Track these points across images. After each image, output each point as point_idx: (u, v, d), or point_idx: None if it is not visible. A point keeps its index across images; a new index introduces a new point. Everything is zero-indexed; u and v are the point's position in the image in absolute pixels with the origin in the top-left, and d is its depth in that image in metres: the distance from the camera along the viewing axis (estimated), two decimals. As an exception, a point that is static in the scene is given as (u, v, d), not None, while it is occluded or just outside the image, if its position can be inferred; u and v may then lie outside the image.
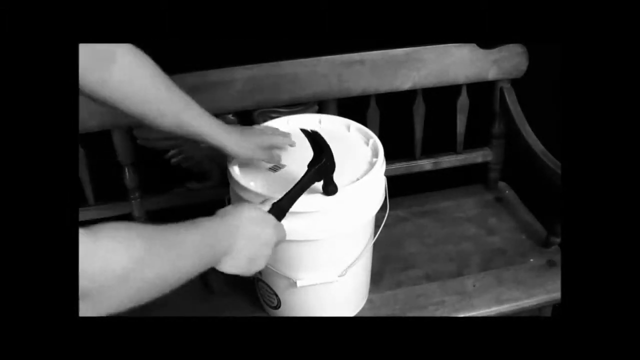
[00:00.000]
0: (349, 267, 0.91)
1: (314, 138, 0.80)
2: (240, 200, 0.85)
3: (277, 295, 0.96)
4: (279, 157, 0.90)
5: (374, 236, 0.96)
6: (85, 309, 0.48)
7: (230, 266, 0.68)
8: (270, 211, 0.73)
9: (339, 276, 0.90)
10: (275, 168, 0.90)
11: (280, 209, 0.74)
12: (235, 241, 0.67)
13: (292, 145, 0.92)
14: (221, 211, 0.69)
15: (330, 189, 0.81)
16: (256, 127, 0.95)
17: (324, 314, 0.97)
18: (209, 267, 0.65)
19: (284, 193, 0.76)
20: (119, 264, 0.50)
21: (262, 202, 0.74)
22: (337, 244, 0.88)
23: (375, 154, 0.91)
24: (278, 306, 0.97)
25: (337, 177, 0.85)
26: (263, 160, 0.88)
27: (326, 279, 0.90)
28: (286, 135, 0.93)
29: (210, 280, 0.70)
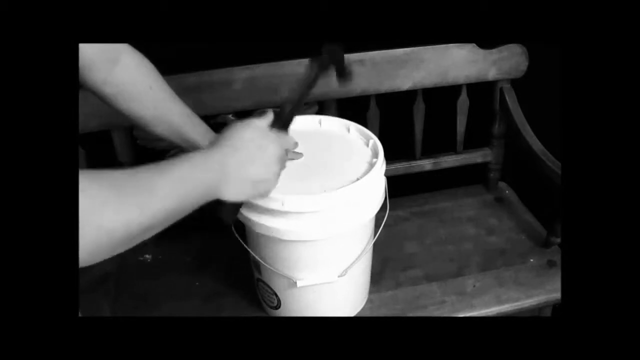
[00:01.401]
0: (349, 267, 0.91)
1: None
2: (245, 203, 0.85)
3: (277, 295, 0.96)
4: None
5: (374, 236, 0.96)
6: None
7: (234, 192, 0.63)
8: (272, 125, 0.67)
9: (339, 276, 0.91)
10: None
11: (282, 119, 0.67)
12: (229, 164, 0.61)
13: (294, 158, 0.91)
14: (216, 140, 0.63)
15: (343, 73, 0.72)
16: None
17: (324, 314, 0.97)
18: (206, 199, 0.60)
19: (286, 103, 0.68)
20: (93, 214, 0.46)
21: (260, 116, 0.68)
22: (337, 244, 0.88)
23: (375, 155, 0.91)
24: (278, 306, 0.97)
25: (337, 177, 0.86)
26: None
27: (326, 279, 0.90)
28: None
29: (220, 212, 0.65)
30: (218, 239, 1.14)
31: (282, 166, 0.68)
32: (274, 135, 0.68)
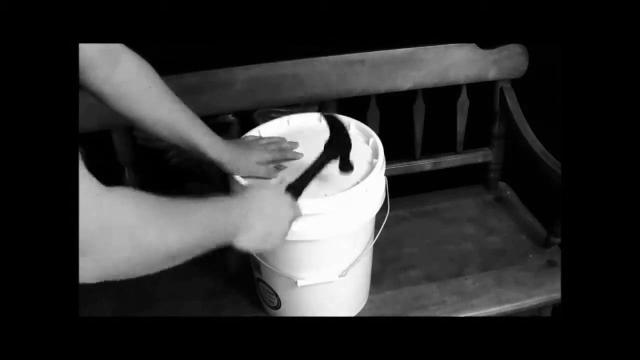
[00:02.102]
0: (350, 267, 0.91)
1: (330, 120, 0.83)
2: None
3: (277, 295, 0.96)
4: (276, 172, 0.90)
5: (375, 236, 0.96)
6: (88, 265, 0.48)
7: (246, 241, 0.68)
8: (287, 190, 0.76)
9: (339, 276, 0.90)
10: (277, 168, 0.90)
11: (295, 189, 0.77)
12: (249, 216, 0.68)
13: (295, 158, 0.92)
14: (237, 191, 0.72)
15: (345, 167, 0.83)
16: (257, 141, 0.93)
17: (325, 314, 0.97)
18: (223, 242, 0.65)
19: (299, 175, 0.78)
20: (127, 217, 0.50)
21: (278, 184, 0.76)
22: (338, 244, 0.88)
23: (375, 154, 0.91)
24: (278, 306, 0.97)
25: (337, 179, 0.86)
26: (261, 177, 0.88)
27: (327, 279, 0.90)
28: (286, 149, 0.92)
29: (227, 260, 0.73)
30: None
31: (290, 228, 0.75)
32: (289, 199, 0.75)
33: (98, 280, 0.51)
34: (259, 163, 0.87)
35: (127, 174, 1.10)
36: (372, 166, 0.88)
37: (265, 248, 0.72)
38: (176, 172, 1.16)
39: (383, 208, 0.92)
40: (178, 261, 0.57)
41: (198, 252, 0.60)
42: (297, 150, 0.94)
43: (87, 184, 0.47)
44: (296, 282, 0.89)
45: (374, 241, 0.96)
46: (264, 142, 0.92)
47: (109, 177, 0.84)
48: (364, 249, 0.93)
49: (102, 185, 0.49)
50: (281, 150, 0.91)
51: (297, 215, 0.76)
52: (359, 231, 0.91)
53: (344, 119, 0.99)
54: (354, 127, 0.97)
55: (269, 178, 0.88)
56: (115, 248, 0.50)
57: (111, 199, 0.50)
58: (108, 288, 1.09)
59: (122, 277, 0.53)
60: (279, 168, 0.90)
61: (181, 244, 0.57)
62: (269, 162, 0.89)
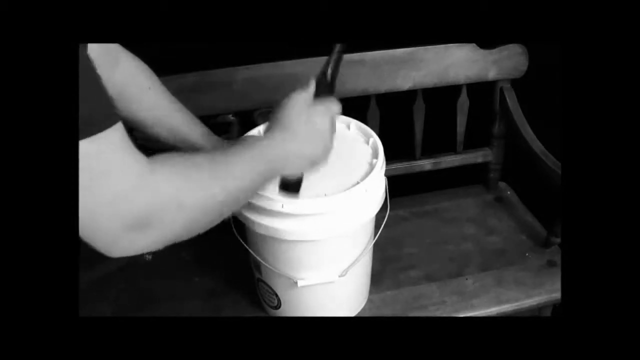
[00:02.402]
0: (350, 267, 0.91)
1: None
2: (247, 204, 0.85)
3: (277, 295, 0.96)
4: None
5: (375, 236, 0.96)
6: (145, 240, 0.52)
7: (294, 170, 0.71)
8: (317, 91, 0.72)
9: (339, 276, 0.91)
10: None
11: (326, 83, 0.73)
12: (287, 147, 0.68)
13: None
14: (275, 121, 0.70)
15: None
16: None
17: (325, 314, 0.97)
18: (273, 177, 0.68)
19: (323, 67, 0.75)
20: (174, 188, 0.52)
21: (305, 86, 0.73)
22: (338, 244, 0.88)
23: (375, 154, 0.91)
24: (278, 306, 0.97)
25: (337, 179, 0.86)
26: None
27: (327, 279, 0.90)
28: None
29: (286, 189, 0.73)
30: (218, 239, 1.14)
31: (333, 133, 0.73)
32: (320, 107, 0.72)
33: (163, 246, 0.55)
34: None
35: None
36: (372, 166, 0.88)
37: (316, 168, 0.73)
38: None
39: (383, 208, 0.92)
40: (232, 209, 0.62)
41: (250, 194, 0.65)
42: None
43: (129, 165, 0.50)
44: (296, 283, 0.89)
45: (374, 241, 0.96)
46: None
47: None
48: (364, 249, 0.93)
49: (144, 161, 0.51)
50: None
51: (335, 116, 0.73)
52: (359, 231, 0.91)
53: (344, 119, 1.00)
54: (354, 127, 0.98)
55: None
56: (168, 220, 0.52)
57: (156, 174, 0.52)
58: (108, 288, 1.10)
59: (181, 239, 0.56)
60: None
61: (231, 196, 0.59)
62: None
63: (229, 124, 1.12)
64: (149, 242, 0.53)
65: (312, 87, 0.73)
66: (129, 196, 0.49)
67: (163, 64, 0.81)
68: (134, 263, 1.16)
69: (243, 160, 0.62)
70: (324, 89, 0.73)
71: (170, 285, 1.10)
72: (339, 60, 0.75)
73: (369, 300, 1.05)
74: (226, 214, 0.60)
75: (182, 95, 0.85)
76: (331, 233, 0.84)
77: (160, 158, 0.54)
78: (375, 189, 0.88)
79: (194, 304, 1.05)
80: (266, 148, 0.66)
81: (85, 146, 0.45)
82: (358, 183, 0.84)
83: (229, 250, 1.06)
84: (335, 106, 0.74)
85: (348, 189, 0.83)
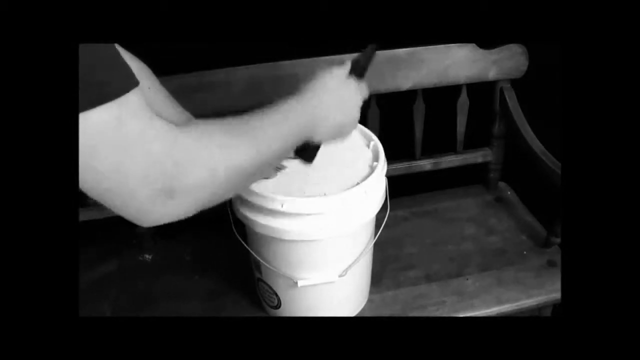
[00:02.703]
0: (350, 267, 0.91)
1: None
2: (246, 204, 0.85)
3: (277, 295, 0.96)
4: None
5: (375, 236, 0.96)
6: (176, 207, 0.51)
7: (322, 136, 0.71)
8: (351, 72, 0.75)
9: (339, 276, 0.91)
10: (277, 168, 0.90)
11: (360, 67, 0.76)
12: (319, 113, 0.69)
13: (281, 167, 0.88)
14: (302, 88, 0.71)
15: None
16: None
17: (325, 314, 0.97)
18: (300, 142, 0.68)
19: (361, 53, 0.78)
20: (204, 153, 0.52)
21: (340, 65, 0.75)
22: (338, 244, 0.88)
23: (376, 157, 0.91)
24: (278, 306, 0.97)
25: (338, 180, 0.86)
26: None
27: (327, 279, 0.90)
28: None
29: (301, 155, 0.74)
30: (218, 239, 1.14)
31: (360, 112, 0.75)
32: (354, 83, 0.75)
33: (188, 214, 0.54)
34: None
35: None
36: (372, 169, 0.88)
37: (340, 137, 0.74)
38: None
39: (383, 208, 0.92)
40: (264, 170, 0.62)
41: (280, 157, 0.64)
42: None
43: (156, 129, 0.49)
44: (296, 283, 0.89)
45: (374, 241, 0.96)
46: None
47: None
48: (364, 249, 0.93)
49: (172, 126, 0.50)
50: None
51: (364, 96, 0.76)
52: (359, 231, 0.91)
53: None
54: (356, 130, 0.98)
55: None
56: (199, 184, 0.52)
57: (185, 139, 0.51)
58: (108, 288, 1.10)
59: (211, 205, 0.56)
60: (279, 168, 0.90)
61: (258, 159, 0.59)
62: None
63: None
64: (182, 209, 0.53)
65: (348, 65, 0.75)
66: (160, 163, 0.49)
67: (163, 64, 0.81)
68: (134, 263, 1.16)
69: (275, 124, 0.63)
70: (358, 72, 0.76)
71: (170, 285, 1.10)
72: (372, 55, 0.79)
73: (369, 301, 1.05)
74: (257, 178, 0.62)
75: (182, 95, 0.85)
76: (331, 233, 0.84)
77: (192, 123, 0.54)
78: (375, 191, 0.88)
79: (194, 304, 1.05)
80: (297, 113, 0.67)
81: (112, 110, 0.45)
82: (358, 184, 0.84)
83: (229, 250, 1.06)
84: (365, 89, 0.77)
85: (348, 189, 0.83)
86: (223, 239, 1.01)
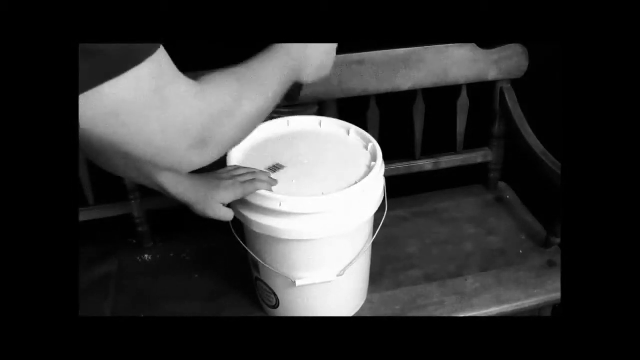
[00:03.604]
0: (347, 266, 0.91)
1: None
2: (245, 203, 0.85)
3: (275, 295, 0.96)
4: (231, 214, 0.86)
5: (373, 236, 0.96)
6: (208, 154, 0.58)
7: (309, 76, 0.76)
8: None
9: (337, 276, 0.91)
10: (274, 168, 0.90)
11: None
12: (305, 53, 0.74)
13: (266, 189, 0.84)
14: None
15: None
16: (227, 174, 0.86)
17: (323, 313, 0.97)
18: (294, 81, 0.74)
19: None
20: (226, 102, 0.59)
21: None
22: (336, 243, 0.88)
23: (374, 158, 0.91)
24: (277, 305, 0.97)
25: (336, 180, 0.86)
26: (222, 219, 0.85)
27: (325, 279, 0.90)
28: (256, 182, 0.84)
29: (290, 91, 0.77)
30: (218, 239, 1.14)
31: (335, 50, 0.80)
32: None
33: (214, 160, 0.61)
34: (222, 203, 0.83)
35: (127, 174, 1.10)
36: (370, 169, 0.88)
37: (320, 78, 0.79)
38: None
39: (381, 208, 0.92)
40: (267, 114, 0.68)
41: (279, 98, 0.70)
42: (297, 150, 0.94)
43: (186, 86, 0.55)
44: (294, 282, 0.89)
45: (372, 240, 0.96)
46: (236, 172, 0.86)
47: (109, 177, 0.84)
48: (362, 249, 0.93)
49: (194, 82, 0.57)
50: (250, 183, 0.83)
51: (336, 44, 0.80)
52: (357, 231, 0.91)
53: (344, 124, 1.00)
54: (354, 133, 0.98)
55: (228, 220, 0.86)
56: (224, 131, 0.59)
57: (208, 91, 0.57)
58: (108, 288, 1.10)
59: (233, 148, 0.69)
60: (277, 168, 0.90)
61: (267, 103, 0.66)
62: (233, 200, 0.83)
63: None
64: (211, 155, 0.59)
65: None
66: (190, 119, 0.55)
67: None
68: (134, 263, 1.16)
69: (273, 66, 0.69)
70: None
71: (170, 285, 1.10)
72: None
73: (369, 300, 1.04)
74: (264, 117, 0.67)
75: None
76: (328, 233, 0.84)
77: (206, 78, 0.60)
78: (373, 190, 0.88)
79: (194, 304, 1.05)
80: (290, 57, 0.71)
81: (147, 69, 0.50)
82: (356, 183, 0.85)
83: (229, 251, 1.06)
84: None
85: (345, 188, 0.83)
86: (223, 239, 1.01)
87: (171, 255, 1.18)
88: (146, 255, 1.18)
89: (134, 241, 1.19)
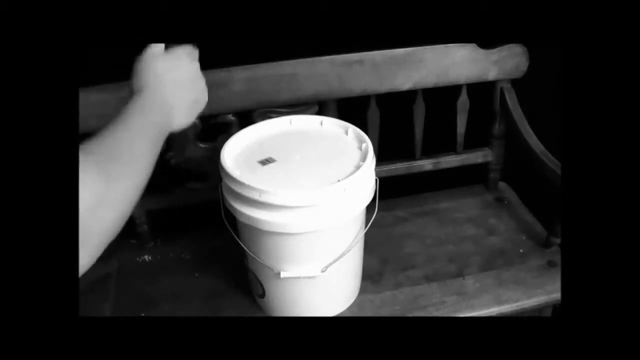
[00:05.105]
0: (331, 264, 0.91)
1: None
2: (232, 193, 0.86)
3: (262, 285, 0.97)
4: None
5: (362, 234, 0.96)
6: (87, 256, 0.49)
7: (181, 121, 0.69)
8: (166, 45, 0.70)
9: (321, 271, 0.91)
10: (265, 162, 0.90)
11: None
12: (168, 102, 0.66)
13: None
14: (137, 88, 0.66)
15: None
16: None
17: (308, 307, 0.98)
18: (167, 134, 0.66)
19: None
20: (91, 197, 0.48)
21: (149, 47, 0.70)
22: (319, 239, 0.89)
23: (363, 158, 0.91)
24: (263, 295, 0.98)
25: (321, 177, 0.86)
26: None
27: (309, 274, 0.91)
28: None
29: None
30: (218, 239, 1.14)
31: (199, 73, 0.74)
32: (177, 51, 0.71)
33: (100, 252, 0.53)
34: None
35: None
36: (356, 169, 0.88)
37: (197, 113, 0.73)
38: (175, 172, 1.16)
39: (372, 209, 0.92)
40: (147, 178, 0.59)
41: (154, 162, 0.61)
42: (292, 147, 0.93)
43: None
44: (279, 273, 0.90)
45: (362, 239, 0.96)
46: None
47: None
48: (348, 247, 0.93)
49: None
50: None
51: (195, 56, 0.73)
52: (341, 229, 0.91)
53: (342, 123, 1.00)
54: (352, 133, 0.98)
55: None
56: (99, 228, 0.51)
57: (93, 186, 0.49)
58: (108, 288, 1.10)
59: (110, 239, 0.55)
60: (268, 162, 0.90)
61: (139, 172, 0.58)
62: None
63: (229, 124, 1.12)
64: (98, 250, 0.52)
65: (157, 45, 0.70)
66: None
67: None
68: (134, 263, 1.16)
69: (138, 130, 0.60)
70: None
71: (170, 285, 1.10)
72: None
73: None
74: (145, 181, 0.58)
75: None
76: (309, 228, 0.85)
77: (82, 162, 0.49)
78: (357, 190, 0.87)
79: (194, 304, 1.05)
80: (151, 108, 0.64)
81: None
82: (338, 181, 0.85)
83: (229, 250, 1.06)
84: (190, 48, 0.73)
85: (326, 185, 0.84)
86: (223, 239, 1.01)
87: (171, 255, 1.18)
88: (146, 256, 1.18)
89: (134, 241, 1.19)
